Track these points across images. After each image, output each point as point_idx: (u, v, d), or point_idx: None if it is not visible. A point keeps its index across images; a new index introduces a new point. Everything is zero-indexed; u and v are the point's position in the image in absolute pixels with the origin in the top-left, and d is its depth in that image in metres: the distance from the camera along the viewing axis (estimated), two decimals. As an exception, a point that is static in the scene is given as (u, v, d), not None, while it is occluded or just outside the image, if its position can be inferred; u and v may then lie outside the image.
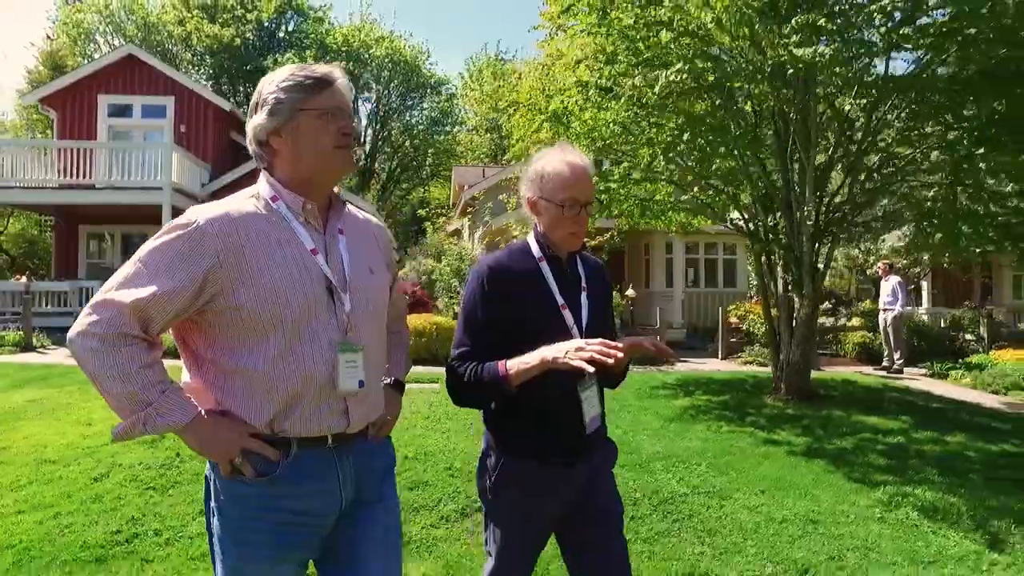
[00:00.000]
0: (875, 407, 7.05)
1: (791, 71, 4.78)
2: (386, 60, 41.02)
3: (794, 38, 4.49)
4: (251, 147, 1.52)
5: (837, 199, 7.16)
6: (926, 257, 12.34)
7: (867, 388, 8.52)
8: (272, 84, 1.47)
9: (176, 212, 13.40)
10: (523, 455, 1.80)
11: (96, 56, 32.15)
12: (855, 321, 13.54)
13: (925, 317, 15.60)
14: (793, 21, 4.61)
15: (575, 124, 6.78)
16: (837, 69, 4.78)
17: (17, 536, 3.27)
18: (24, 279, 12.43)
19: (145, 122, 15.51)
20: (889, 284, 11.27)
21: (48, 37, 34.18)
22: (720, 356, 12.19)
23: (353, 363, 1.47)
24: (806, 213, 6.58)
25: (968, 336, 13.44)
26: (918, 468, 4.93)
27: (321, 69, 1.48)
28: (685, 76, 5.00)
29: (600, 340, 1.61)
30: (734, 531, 3.63)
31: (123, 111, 15.45)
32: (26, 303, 10.84)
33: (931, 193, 6.84)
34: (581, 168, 1.82)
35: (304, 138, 1.45)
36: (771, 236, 7.23)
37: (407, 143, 41.51)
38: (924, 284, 16.57)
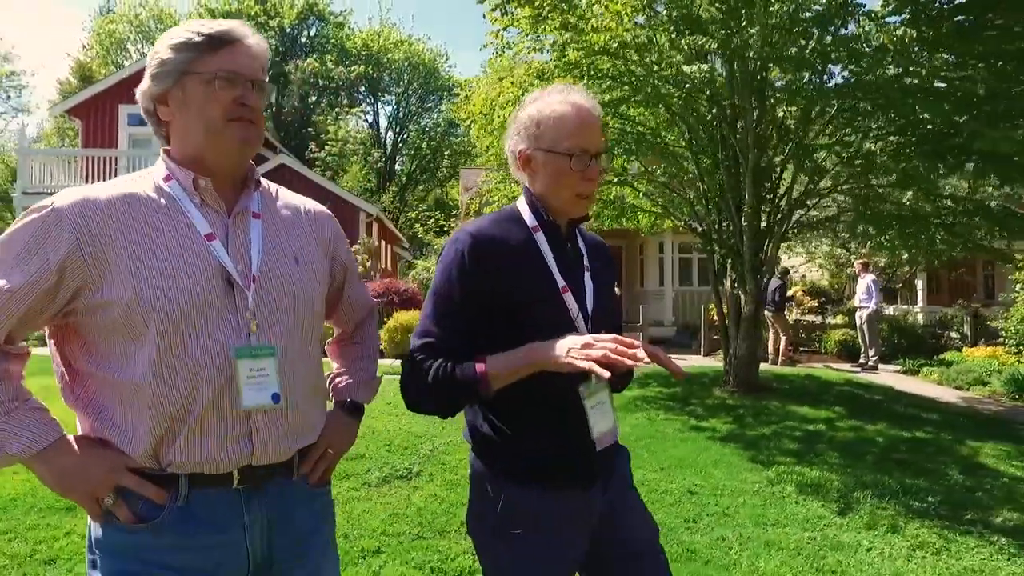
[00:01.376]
0: (816, 399, 7.47)
1: (688, 85, 5.28)
2: (405, 64, 41.92)
3: (679, 56, 4.97)
4: (145, 119, 1.32)
5: (782, 203, 7.60)
6: (905, 256, 12.58)
7: (823, 382, 8.91)
8: (162, 43, 1.25)
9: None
10: (524, 480, 1.44)
11: (126, 64, 33.63)
12: (839, 319, 13.81)
13: (920, 316, 15.78)
14: (683, 43, 5.12)
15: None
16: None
17: (7, 490, 3.95)
18: (48, 278, 13.43)
19: (162, 130, 16.48)
20: (864, 282, 11.55)
21: (83, 47, 35.80)
22: (703, 352, 12.63)
23: (261, 371, 1.21)
24: (745, 214, 7.04)
25: (953, 334, 13.61)
26: (820, 451, 5.38)
27: (221, 25, 1.24)
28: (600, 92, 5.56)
29: (613, 336, 1.29)
30: (615, 498, 4.16)
31: (142, 120, 16.06)
32: (49, 300, 11.78)
33: (862, 193, 7.25)
34: (587, 109, 1.48)
35: (190, 108, 1.23)
36: (717, 236, 7.70)
37: (425, 145, 42.39)
38: (919, 283, 16.69)
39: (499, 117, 6.39)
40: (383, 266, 20.68)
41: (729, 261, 7.67)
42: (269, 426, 1.23)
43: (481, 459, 1.50)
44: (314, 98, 40.78)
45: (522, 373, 1.36)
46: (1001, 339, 11.15)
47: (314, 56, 40.36)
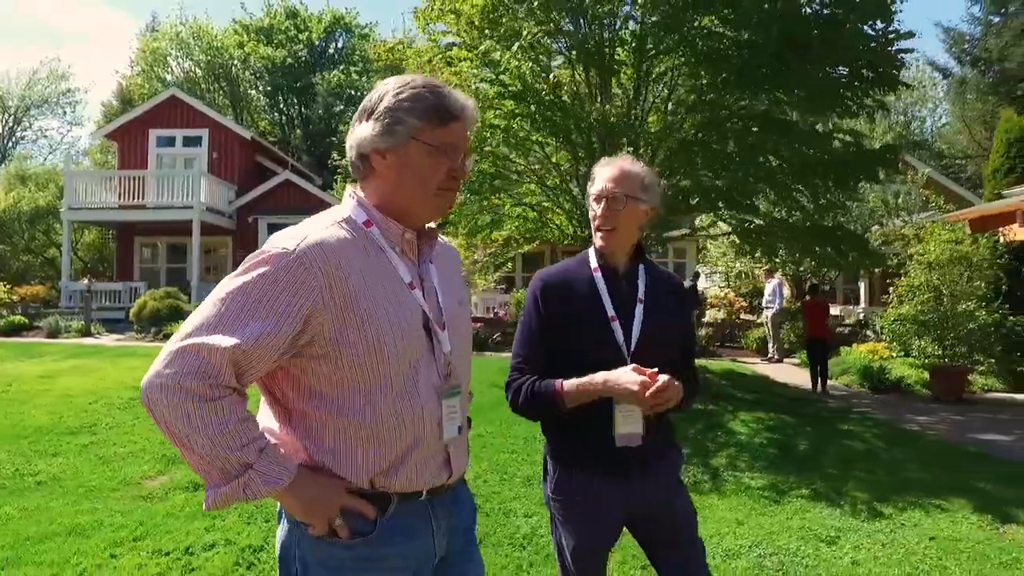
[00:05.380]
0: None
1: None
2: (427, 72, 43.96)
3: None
4: (350, 154, 1.36)
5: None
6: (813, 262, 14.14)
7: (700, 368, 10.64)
8: (393, 97, 1.30)
9: (204, 227, 16.68)
10: (569, 464, 1.85)
11: (167, 77, 36.83)
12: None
13: (862, 315, 17.21)
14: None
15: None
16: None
17: (35, 419, 6.19)
18: (87, 280, 15.91)
19: (185, 151, 19.04)
20: (770, 286, 13.19)
21: (130, 63, 39.07)
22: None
23: (454, 409, 1.39)
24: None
25: (869, 332, 15.03)
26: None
27: (454, 99, 1.32)
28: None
29: (662, 382, 1.61)
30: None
31: (168, 142, 19.03)
32: (87, 299, 14.28)
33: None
34: (606, 168, 1.86)
35: (410, 170, 1.31)
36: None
37: (444, 151, 44.42)
38: (861, 285, 18.11)
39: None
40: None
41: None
42: (458, 452, 1.43)
43: (547, 442, 1.95)
44: (339, 108, 43.22)
45: (591, 397, 1.72)
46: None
47: (340, 67, 42.75)
